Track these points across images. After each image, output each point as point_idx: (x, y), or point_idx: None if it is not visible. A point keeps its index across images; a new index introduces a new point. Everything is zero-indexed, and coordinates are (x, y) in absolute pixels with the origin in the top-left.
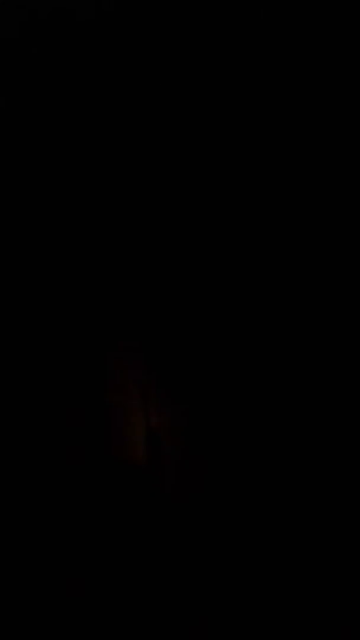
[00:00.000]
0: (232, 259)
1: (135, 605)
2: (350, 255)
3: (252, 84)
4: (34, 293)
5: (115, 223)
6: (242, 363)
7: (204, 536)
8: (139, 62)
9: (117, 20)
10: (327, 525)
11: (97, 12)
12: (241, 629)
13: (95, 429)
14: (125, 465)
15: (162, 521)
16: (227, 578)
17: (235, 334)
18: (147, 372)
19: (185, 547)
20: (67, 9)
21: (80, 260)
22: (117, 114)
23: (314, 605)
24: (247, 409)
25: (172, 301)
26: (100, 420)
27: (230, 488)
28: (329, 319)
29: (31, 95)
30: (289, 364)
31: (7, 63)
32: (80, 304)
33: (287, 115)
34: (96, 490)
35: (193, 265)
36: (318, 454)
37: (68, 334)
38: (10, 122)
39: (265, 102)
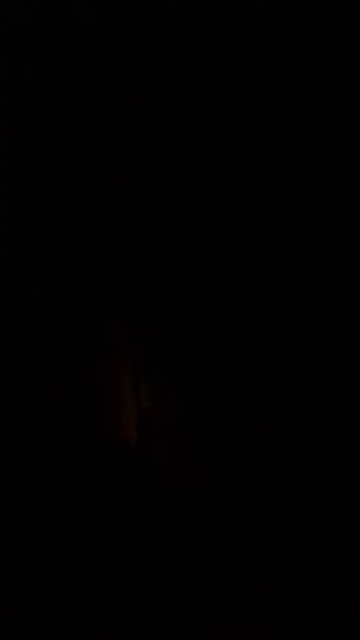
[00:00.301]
0: (224, 243)
1: (128, 588)
2: (350, 248)
3: (252, 84)
4: (26, 278)
5: (108, 211)
6: (234, 344)
7: (196, 517)
8: (138, 61)
9: (116, 19)
10: (325, 506)
11: (97, 11)
12: (239, 615)
13: (86, 411)
14: (116, 447)
15: (153, 502)
16: (222, 561)
17: (228, 314)
18: (139, 352)
19: (178, 527)
20: (67, 7)
21: (74, 244)
22: (117, 112)
23: (314, 589)
24: (240, 389)
25: (164, 282)
26: (91, 402)
27: (222, 469)
28: (325, 298)
29: (30, 94)
30: (283, 345)
31: (6, 60)
32: (72, 286)
33: (287, 114)
34: (87, 472)
35: (185, 248)
36: (313, 437)
37: (59, 316)
38: (10, 121)
39: (265, 102)
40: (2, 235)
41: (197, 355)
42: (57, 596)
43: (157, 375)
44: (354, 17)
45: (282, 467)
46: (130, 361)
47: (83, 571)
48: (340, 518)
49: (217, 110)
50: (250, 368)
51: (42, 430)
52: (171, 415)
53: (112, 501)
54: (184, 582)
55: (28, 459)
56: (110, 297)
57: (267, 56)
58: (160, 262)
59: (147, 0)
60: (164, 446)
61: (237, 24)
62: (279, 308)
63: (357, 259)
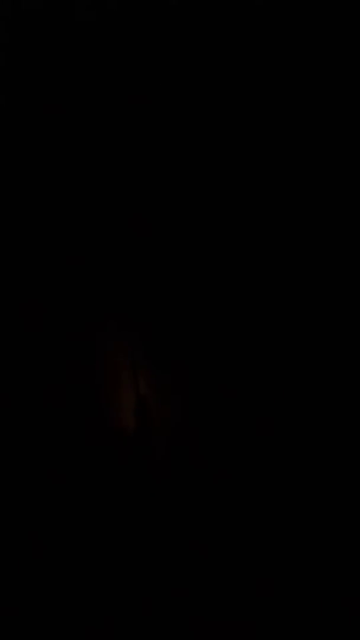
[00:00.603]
0: (223, 236)
1: (127, 578)
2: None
3: (252, 83)
4: (26, 273)
5: (107, 206)
6: (234, 333)
7: (194, 506)
8: (138, 61)
9: (116, 19)
10: (326, 497)
11: (97, 11)
12: (238, 608)
13: (84, 400)
14: (114, 435)
15: (152, 491)
16: (221, 551)
17: (227, 304)
18: (137, 338)
19: (176, 516)
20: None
21: (73, 238)
22: (117, 111)
23: (314, 581)
24: (239, 379)
25: (163, 270)
26: (89, 390)
27: (221, 458)
28: (325, 291)
29: (30, 93)
30: (282, 336)
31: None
32: (72, 277)
33: (286, 113)
34: (85, 461)
35: (184, 236)
36: (313, 426)
37: (57, 301)
38: (9, 120)
39: (265, 100)
40: (2, 232)
41: (196, 343)
42: (54, 582)
43: (155, 363)
44: (354, 16)
45: (282, 457)
46: (128, 349)
47: (81, 559)
48: (340, 507)
49: (217, 110)
50: (250, 357)
51: (41, 419)
52: (170, 403)
53: (110, 490)
54: (183, 572)
55: (27, 448)
56: (110, 287)
57: (267, 55)
58: (160, 254)
59: (147, 0)
60: (162, 434)
61: (237, 24)
62: (278, 300)
63: (356, 255)
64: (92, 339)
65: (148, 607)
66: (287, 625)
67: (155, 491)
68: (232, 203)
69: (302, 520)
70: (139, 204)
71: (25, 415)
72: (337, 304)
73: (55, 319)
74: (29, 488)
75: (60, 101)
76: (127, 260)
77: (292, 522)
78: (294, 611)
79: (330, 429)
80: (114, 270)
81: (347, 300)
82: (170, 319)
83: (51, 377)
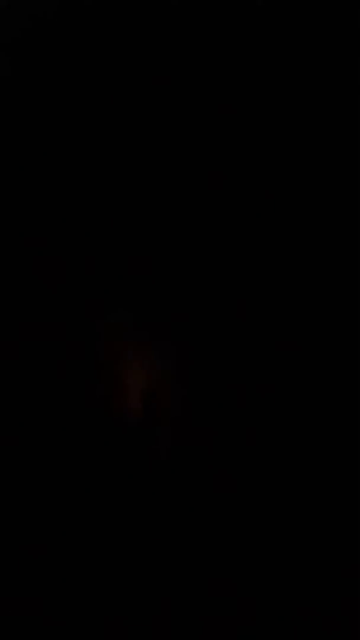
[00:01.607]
0: (224, 215)
1: (127, 562)
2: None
3: (252, 83)
4: (29, 256)
5: (106, 189)
6: (241, 317)
7: (198, 490)
8: (138, 60)
9: (116, 19)
10: (326, 481)
11: (96, 11)
12: (239, 593)
13: (89, 383)
14: (121, 420)
15: (156, 475)
16: (221, 536)
17: (234, 287)
18: (143, 323)
19: (180, 500)
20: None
21: (74, 219)
22: (116, 106)
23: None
24: (246, 363)
25: (169, 252)
26: (95, 374)
27: (226, 443)
28: (324, 275)
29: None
30: (289, 319)
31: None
32: (76, 253)
33: (286, 112)
34: (91, 446)
35: (187, 219)
36: (320, 413)
37: (62, 285)
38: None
39: (264, 100)
40: (3, 218)
41: (202, 328)
42: (52, 564)
43: (162, 349)
44: (353, 17)
45: (286, 445)
46: (135, 334)
47: (81, 544)
48: (340, 493)
49: (216, 109)
50: (259, 343)
51: (44, 405)
52: (176, 388)
53: (115, 474)
54: (184, 560)
55: (30, 434)
56: (114, 272)
57: (267, 55)
58: (163, 236)
59: (147, 0)
60: (168, 419)
61: (237, 24)
62: (280, 279)
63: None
64: (97, 323)
65: (147, 596)
66: (286, 622)
67: (159, 476)
68: (231, 185)
69: (303, 508)
70: (139, 185)
71: (29, 400)
72: (336, 291)
73: (60, 304)
74: (31, 473)
75: (59, 98)
76: (130, 243)
77: (294, 510)
78: (292, 607)
79: (332, 416)
80: (118, 253)
81: (346, 283)
82: (176, 303)
83: (55, 362)
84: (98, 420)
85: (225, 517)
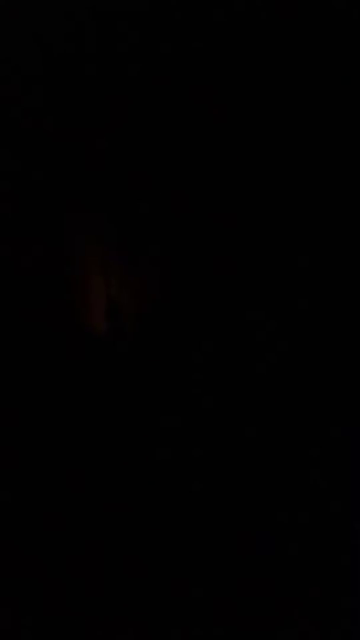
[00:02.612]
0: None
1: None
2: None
3: (252, 83)
4: None
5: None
6: (212, 229)
7: (166, 408)
8: (138, 59)
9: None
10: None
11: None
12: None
13: (50, 296)
14: (84, 334)
15: (121, 391)
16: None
17: (209, 192)
18: (108, 231)
19: (146, 418)
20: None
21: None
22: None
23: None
24: (219, 274)
25: (137, 159)
26: (56, 287)
27: (195, 360)
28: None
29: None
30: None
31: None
32: (40, 163)
33: (285, 111)
34: (54, 360)
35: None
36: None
37: (25, 195)
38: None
39: (265, 100)
40: None
41: (171, 239)
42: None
43: (128, 261)
44: (354, 17)
45: (269, 365)
46: (100, 245)
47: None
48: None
49: (217, 108)
50: (234, 255)
51: (8, 318)
52: (143, 303)
53: (80, 393)
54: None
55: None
56: (79, 175)
57: (267, 55)
58: (136, 139)
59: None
60: (133, 334)
61: (237, 24)
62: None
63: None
64: (59, 232)
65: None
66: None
67: (126, 395)
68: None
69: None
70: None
71: None
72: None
73: (19, 213)
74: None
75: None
76: (96, 141)
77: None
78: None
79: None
80: (82, 153)
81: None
82: (145, 211)
83: (15, 274)
84: (62, 335)
85: (195, 430)
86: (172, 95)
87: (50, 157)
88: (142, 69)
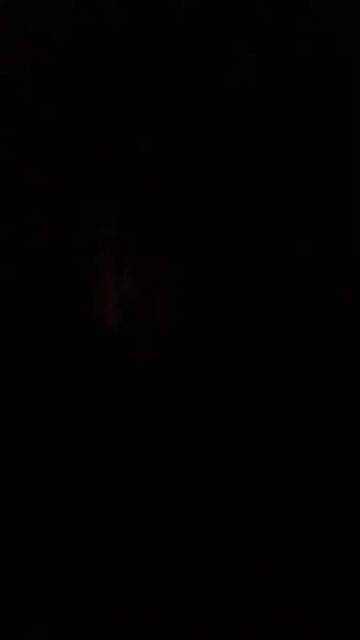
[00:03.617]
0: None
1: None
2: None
3: (251, 83)
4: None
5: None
6: (223, 228)
7: (176, 405)
8: (138, 58)
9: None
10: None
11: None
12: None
13: (63, 293)
14: (96, 332)
15: (133, 387)
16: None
17: (217, 198)
18: (121, 230)
19: (157, 415)
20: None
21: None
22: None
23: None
24: (230, 272)
25: (151, 154)
26: (69, 284)
27: (206, 357)
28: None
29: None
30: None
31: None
32: (52, 162)
33: (285, 111)
34: (67, 356)
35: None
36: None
37: (38, 194)
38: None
39: (265, 100)
40: None
41: (186, 235)
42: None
43: (140, 258)
44: (353, 18)
45: (274, 364)
46: (112, 242)
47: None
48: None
49: (216, 108)
50: (244, 250)
51: (17, 317)
52: (155, 300)
53: (91, 390)
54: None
55: (6, 341)
56: (92, 173)
57: (267, 55)
58: (151, 131)
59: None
60: (146, 333)
61: (236, 24)
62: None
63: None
64: (73, 230)
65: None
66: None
67: (137, 387)
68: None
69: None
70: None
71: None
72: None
73: (32, 209)
74: (7, 387)
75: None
76: (110, 142)
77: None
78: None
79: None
80: (96, 153)
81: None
82: (158, 209)
83: (28, 271)
84: (74, 331)
85: (205, 429)
86: (188, 92)
87: (64, 156)
88: (154, 64)
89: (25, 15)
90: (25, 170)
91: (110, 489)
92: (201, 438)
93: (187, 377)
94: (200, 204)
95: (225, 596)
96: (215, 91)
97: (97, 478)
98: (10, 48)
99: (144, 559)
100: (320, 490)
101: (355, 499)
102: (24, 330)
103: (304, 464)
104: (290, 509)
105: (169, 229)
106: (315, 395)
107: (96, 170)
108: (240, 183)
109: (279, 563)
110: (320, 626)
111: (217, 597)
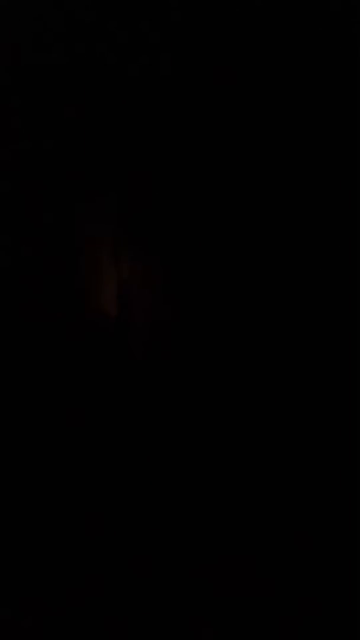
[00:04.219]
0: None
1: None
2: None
3: (251, 83)
4: None
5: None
6: (223, 217)
7: (174, 394)
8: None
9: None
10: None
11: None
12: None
13: (61, 282)
14: (95, 321)
15: (132, 377)
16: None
17: (216, 185)
18: (120, 220)
19: (156, 404)
20: None
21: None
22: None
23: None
24: (228, 261)
25: (149, 144)
26: (67, 273)
27: (204, 345)
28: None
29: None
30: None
31: None
32: (49, 150)
33: (285, 111)
34: (65, 347)
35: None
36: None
37: (32, 178)
38: None
39: (265, 101)
40: None
41: (184, 224)
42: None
43: (138, 247)
44: (352, 18)
45: (272, 351)
46: (110, 230)
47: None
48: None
49: (216, 108)
50: (243, 239)
51: (14, 306)
52: (153, 289)
53: (90, 378)
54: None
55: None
56: (89, 160)
57: (267, 55)
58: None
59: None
60: (144, 322)
61: (236, 24)
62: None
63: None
64: (71, 219)
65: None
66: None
67: (135, 380)
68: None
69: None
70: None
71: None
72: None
73: (30, 198)
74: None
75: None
76: (107, 130)
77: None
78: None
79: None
80: (94, 141)
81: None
82: (156, 195)
83: (25, 261)
84: (73, 320)
85: (202, 417)
86: (183, 85)
87: (61, 141)
88: (146, 59)
89: (25, 15)
90: (24, 161)
91: (106, 475)
92: (199, 427)
93: (185, 367)
94: (200, 193)
95: (225, 596)
96: (211, 85)
97: (94, 467)
98: (8, 39)
99: (141, 553)
100: (320, 487)
101: (355, 499)
102: (21, 319)
103: (303, 448)
104: (290, 501)
105: (168, 220)
106: (314, 381)
107: (95, 160)
108: (239, 173)
109: (279, 563)
110: (320, 626)
111: (218, 597)
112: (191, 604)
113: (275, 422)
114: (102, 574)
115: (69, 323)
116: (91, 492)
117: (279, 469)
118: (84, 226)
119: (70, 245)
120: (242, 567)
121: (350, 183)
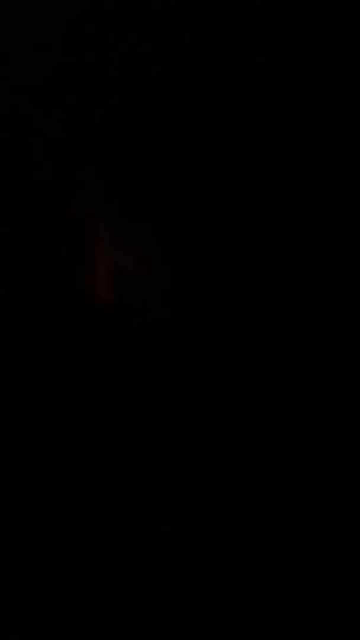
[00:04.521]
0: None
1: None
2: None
3: (251, 84)
4: None
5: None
6: (222, 196)
7: (171, 380)
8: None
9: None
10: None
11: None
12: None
13: (55, 264)
14: (89, 303)
15: (127, 359)
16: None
17: (214, 162)
18: (114, 200)
19: (153, 390)
20: None
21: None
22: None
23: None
24: (228, 244)
25: (143, 121)
26: (61, 255)
27: (202, 332)
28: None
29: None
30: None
31: None
32: (40, 122)
33: (285, 111)
34: (59, 329)
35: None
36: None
37: (25, 154)
38: None
39: (265, 101)
40: None
41: (184, 204)
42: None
43: (133, 227)
44: (354, 17)
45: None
46: (105, 211)
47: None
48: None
49: (216, 108)
50: (243, 221)
51: (6, 292)
52: (147, 269)
53: (86, 364)
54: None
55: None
56: (83, 136)
57: (267, 55)
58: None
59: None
60: (141, 306)
61: (236, 24)
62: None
63: None
64: (64, 200)
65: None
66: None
67: (132, 365)
68: None
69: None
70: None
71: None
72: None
73: (22, 179)
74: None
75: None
76: (100, 109)
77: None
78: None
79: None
80: (89, 116)
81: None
82: (152, 174)
83: (17, 244)
84: (65, 304)
85: (200, 404)
86: (178, 70)
87: (55, 124)
88: (144, 55)
89: (23, 15)
90: (20, 143)
91: (106, 476)
92: (197, 410)
93: (182, 349)
94: (197, 174)
95: (225, 595)
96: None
97: (90, 454)
98: (9, 37)
99: (140, 547)
100: (319, 484)
101: (355, 499)
102: (16, 301)
103: (303, 437)
104: (289, 494)
105: (163, 200)
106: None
107: (88, 141)
108: (238, 152)
109: (279, 563)
110: (320, 626)
111: (217, 596)
112: (191, 606)
113: (275, 409)
114: (101, 575)
115: (62, 302)
116: (87, 486)
117: (279, 469)
118: (78, 205)
119: (64, 224)
120: (243, 567)
121: (350, 183)
